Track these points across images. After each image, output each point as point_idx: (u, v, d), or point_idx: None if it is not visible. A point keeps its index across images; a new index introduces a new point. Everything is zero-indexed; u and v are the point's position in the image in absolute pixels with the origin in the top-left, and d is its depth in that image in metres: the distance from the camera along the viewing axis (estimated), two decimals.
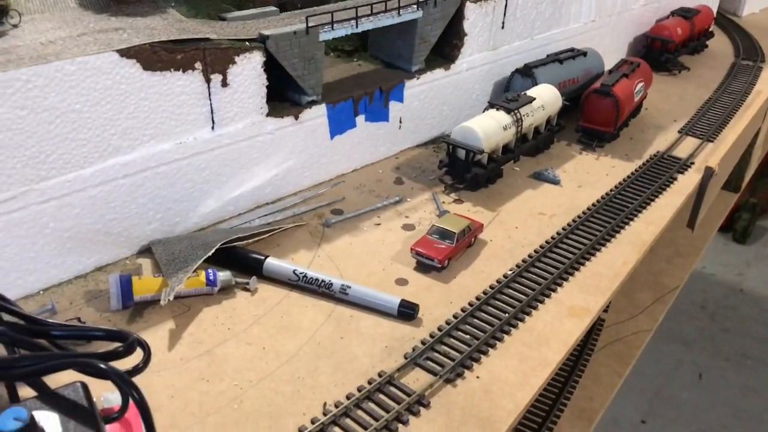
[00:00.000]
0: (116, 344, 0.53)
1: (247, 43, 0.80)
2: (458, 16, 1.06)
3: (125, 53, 0.69)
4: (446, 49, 1.10)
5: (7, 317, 0.53)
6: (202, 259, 0.73)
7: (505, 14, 1.14)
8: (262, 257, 0.77)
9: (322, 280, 0.75)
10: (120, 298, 0.69)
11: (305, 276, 0.75)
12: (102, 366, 0.48)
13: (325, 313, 0.73)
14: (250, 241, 0.81)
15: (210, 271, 0.73)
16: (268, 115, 0.86)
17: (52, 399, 0.47)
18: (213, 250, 0.74)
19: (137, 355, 0.52)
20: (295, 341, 0.69)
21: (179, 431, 0.56)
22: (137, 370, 0.51)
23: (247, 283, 0.75)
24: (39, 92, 0.64)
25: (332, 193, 0.96)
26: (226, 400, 0.62)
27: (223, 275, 0.74)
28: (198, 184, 0.82)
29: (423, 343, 0.70)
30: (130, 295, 0.70)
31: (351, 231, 0.87)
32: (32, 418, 0.43)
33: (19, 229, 0.68)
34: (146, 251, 0.80)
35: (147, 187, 0.77)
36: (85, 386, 0.48)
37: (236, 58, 0.79)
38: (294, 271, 0.76)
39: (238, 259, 0.78)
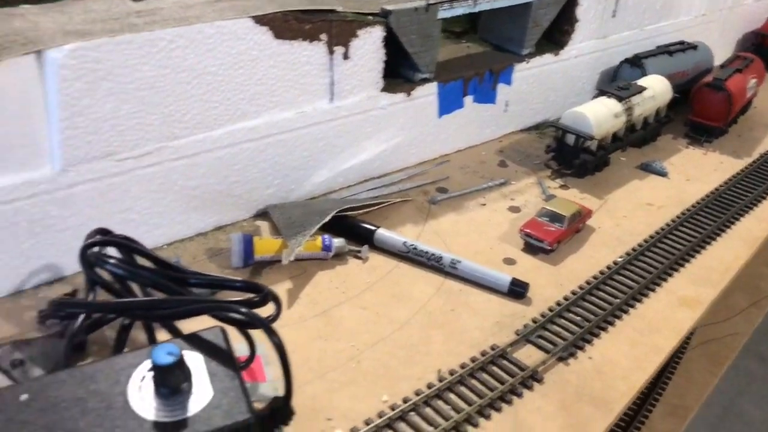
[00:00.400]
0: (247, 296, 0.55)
1: (370, 17, 0.81)
2: (572, 1, 1.05)
3: (259, 20, 0.71)
4: (557, 34, 1.09)
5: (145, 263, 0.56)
6: (319, 225, 0.75)
7: (617, 2, 1.12)
8: (374, 228, 0.79)
9: (432, 254, 0.76)
10: (242, 256, 0.72)
11: (415, 248, 0.76)
12: (247, 312, 0.51)
13: (435, 285, 0.74)
14: (360, 212, 0.83)
15: (326, 236, 0.75)
16: (382, 90, 0.87)
17: (194, 341, 0.49)
18: (329, 217, 0.76)
19: (267, 308, 0.54)
20: (406, 310, 0.70)
21: (302, 383, 0.58)
22: (270, 320, 0.53)
23: (359, 252, 0.77)
24: (180, 53, 0.67)
25: (437, 171, 0.96)
26: (344, 359, 0.63)
27: (338, 241, 0.76)
28: (314, 153, 0.84)
29: (534, 321, 0.70)
30: (251, 254, 0.72)
31: (457, 209, 0.88)
32: (182, 355, 0.46)
33: (152, 184, 0.71)
34: (262, 215, 0.83)
35: (268, 153, 0.79)
36: (224, 331, 0.51)
37: (359, 32, 0.81)
38: (404, 243, 0.77)
39: (350, 228, 0.79)
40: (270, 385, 0.60)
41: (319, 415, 0.58)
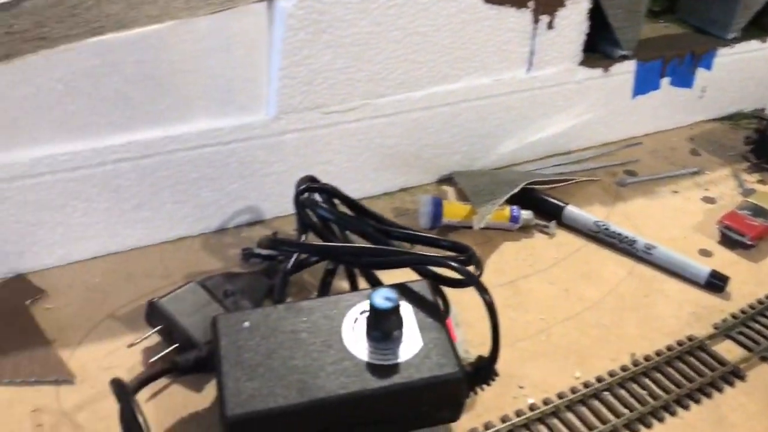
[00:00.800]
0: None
1: None
2: None
3: None
4: (766, 19, 1.01)
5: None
6: (509, 195, 0.74)
7: None
8: (563, 204, 0.77)
9: (625, 236, 0.73)
10: (430, 218, 0.72)
11: (607, 228, 0.74)
12: (459, 267, 0.51)
13: (626, 268, 0.71)
14: (547, 186, 0.81)
15: (514, 207, 0.74)
16: (580, 63, 0.85)
17: (403, 291, 0.50)
18: (518, 188, 0.75)
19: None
20: (596, 289, 0.68)
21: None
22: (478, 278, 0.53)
23: (547, 227, 0.75)
24: (396, 11, 0.67)
25: (625, 153, 0.93)
26: (533, 331, 0.62)
27: (526, 214, 0.75)
28: (504, 123, 0.83)
29: (734, 316, 0.66)
30: (439, 217, 0.72)
31: (647, 194, 0.84)
32: (399, 302, 0.46)
33: (352, 139, 0.72)
34: (445, 181, 0.83)
35: (461, 119, 0.79)
36: (432, 285, 0.51)
37: (566, 1, 0.78)
38: (595, 222, 0.74)
39: (537, 202, 0.78)
40: (460, 346, 0.60)
41: (511, 381, 0.57)
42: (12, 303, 0.60)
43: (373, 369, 0.45)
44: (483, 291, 0.50)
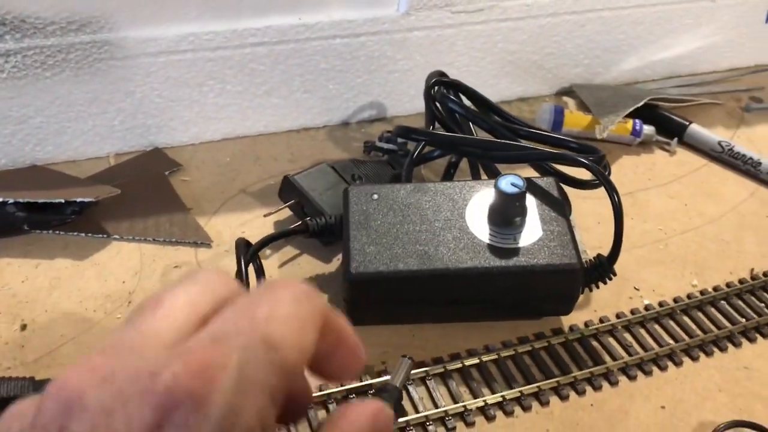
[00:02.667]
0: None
1: None
2: None
3: None
4: None
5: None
6: (632, 108, 0.72)
7: None
8: (687, 122, 0.75)
9: (749, 157, 0.71)
10: (551, 126, 0.72)
11: (731, 149, 0.72)
12: (592, 165, 0.51)
13: (748, 190, 0.70)
14: (669, 105, 0.79)
15: (637, 121, 0.73)
16: None
17: (529, 185, 0.50)
18: (642, 102, 0.73)
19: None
20: (716, 207, 0.67)
21: (608, 251, 0.58)
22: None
23: (668, 144, 0.74)
24: None
25: (751, 79, 0.89)
26: (650, 240, 0.62)
27: (648, 129, 0.73)
28: (630, 38, 0.81)
29: None
30: (560, 125, 0.72)
31: None
32: (525, 188, 0.46)
33: (476, 41, 0.72)
34: (564, 93, 0.82)
35: (587, 29, 0.77)
36: (558, 183, 0.51)
37: None
38: (719, 143, 0.73)
39: (660, 119, 0.76)
40: (580, 248, 0.61)
41: (627, 283, 0.58)
42: (153, 172, 0.64)
43: (493, 250, 0.46)
44: (612, 190, 0.50)
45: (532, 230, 0.47)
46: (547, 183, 0.51)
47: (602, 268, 0.52)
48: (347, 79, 0.70)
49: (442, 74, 0.63)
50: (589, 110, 0.75)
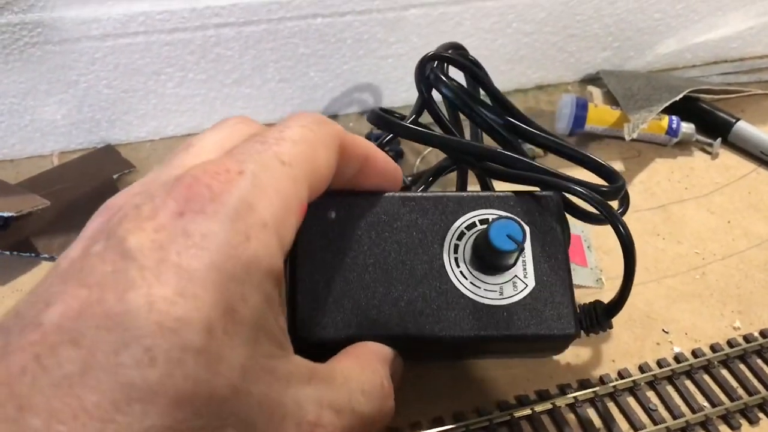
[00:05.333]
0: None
1: None
2: None
3: None
4: None
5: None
6: (668, 103, 0.61)
7: None
8: (733, 119, 0.64)
9: None
10: (571, 121, 0.61)
11: None
12: (599, 200, 0.40)
13: None
14: (712, 97, 0.68)
15: (674, 118, 0.62)
16: None
17: (524, 204, 0.39)
18: (680, 96, 0.62)
19: None
20: (766, 225, 0.56)
21: (635, 283, 0.47)
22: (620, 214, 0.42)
23: (710, 144, 0.63)
24: None
25: None
26: (684, 266, 0.52)
27: (687, 127, 0.62)
28: (667, 17, 0.69)
29: None
30: (581, 122, 0.61)
31: None
32: (525, 243, 0.36)
33: (486, 20, 0.62)
34: (589, 80, 0.71)
35: (617, 7, 0.66)
36: (560, 203, 0.40)
37: None
38: None
39: (701, 115, 0.65)
40: (591, 273, 0.51)
41: (654, 323, 0.48)
42: (99, 175, 0.55)
43: (473, 307, 0.35)
44: (624, 236, 0.39)
45: (522, 278, 0.37)
46: (549, 202, 0.39)
47: (596, 321, 0.41)
48: (331, 65, 0.59)
49: (457, 47, 0.51)
50: (617, 103, 0.64)
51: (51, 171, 0.55)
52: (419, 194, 0.38)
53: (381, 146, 0.47)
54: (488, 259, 0.35)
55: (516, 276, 0.35)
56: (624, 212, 0.43)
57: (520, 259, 0.36)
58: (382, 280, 0.35)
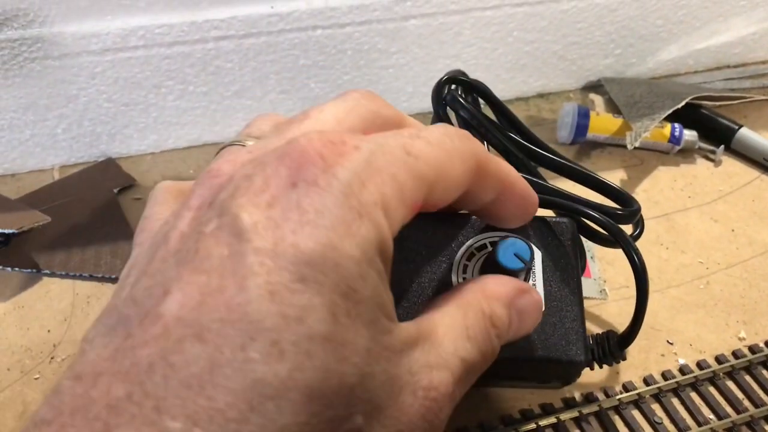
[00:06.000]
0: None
1: None
2: None
3: None
4: None
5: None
6: (671, 110, 0.61)
7: None
8: (736, 126, 0.64)
9: None
10: (573, 130, 0.61)
11: None
12: (612, 226, 0.40)
13: None
14: (715, 104, 0.67)
15: (676, 126, 0.61)
16: None
17: (538, 228, 0.39)
18: (683, 103, 0.62)
19: None
20: None
21: (631, 292, 0.47)
22: (633, 239, 0.42)
23: (713, 152, 0.62)
24: None
25: None
26: (689, 276, 0.52)
27: (690, 134, 0.62)
28: (669, 24, 0.69)
29: None
30: (583, 130, 0.61)
31: None
32: (532, 263, 0.35)
33: (486, 30, 0.61)
34: (591, 88, 0.71)
35: (619, 14, 0.66)
36: (575, 228, 0.40)
37: None
38: None
39: (704, 122, 0.65)
40: (595, 284, 0.51)
41: (658, 335, 0.47)
42: (100, 190, 0.55)
43: None
44: (632, 257, 0.39)
45: None
46: (564, 228, 0.39)
47: (609, 351, 0.40)
48: (332, 76, 0.59)
49: (462, 73, 0.51)
50: (619, 110, 0.64)
51: (52, 185, 0.55)
52: (431, 213, 0.38)
53: None
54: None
55: None
56: (639, 235, 0.43)
57: (530, 281, 0.36)
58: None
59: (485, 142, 0.47)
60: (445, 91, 0.47)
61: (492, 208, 0.29)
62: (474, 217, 0.38)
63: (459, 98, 0.46)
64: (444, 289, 0.36)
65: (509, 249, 0.33)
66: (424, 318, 0.24)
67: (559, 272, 0.36)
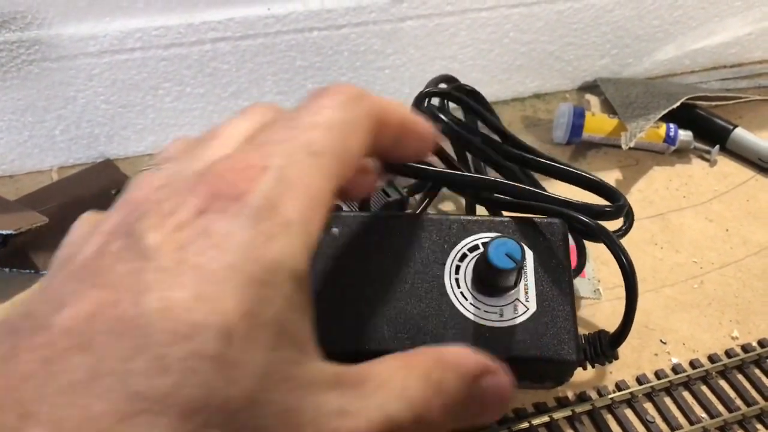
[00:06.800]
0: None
1: None
2: None
3: None
4: None
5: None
6: (666, 111, 0.61)
7: None
8: (731, 126, 0.64)
9: None
10: (568, 130, 0.61)
11: None
12: (592, 223, 0.40)
13: None
14: (710, 104, 0.68)
15: (672, 126, 0.62)
16: None
17: (528, 230, 0.39)
18: (678, 103, 0.62)
19: None
20: (765, 233, 0.56)
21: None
22: (618, 236, 0.42)
23: (708, 152, 0.63)
24: None
25: None
26: (683, 276, 0.52)
27: (685, 135, 0.62)
28: (665, 24, 0.69)
29: None
30: (578, 131, 0.61)
31: None
32: (524, 262, 0.36)
33: (482, 31, 0.62)
34: (587, 88, 0.71)
35: (615, 15, 0.66)
36: (566, 229, 0.40)
37: None
38: None
39: (699, 122, 0.65)
40: (589, 283, 0.51)
41: (652, 334, 0.48)
42: (99, 191, 0.55)
43: (472, 328, 0.35)
44: (619, 255, 0.39)
45: (523, 301, 0.37)
46: (553, 229, 0.39)
47: (601, 351, 0.40)
48: (329, 77, 0.60)
49: (449, 80, 0.52)
50: (615, 111, 0.64)
51: (50, 186, 0.56)
52: (424, 215, 0.38)
53: None
54: (488, 278, 0.35)
55: (517, 299, 0.35)
56: (629, 228, 0.43)
57: (522, 282, 0.36)
58: (382, 295, 0.36)
59: (471, 153, 0.48)
60: (425, 104, 0.47)
61: (394, 152, 0.28)
62: (464, 217, 0.39)
63: (437, 113, 0.47)
64: (437, 290, 0.36)
65: (500, 249, 0.34)
66: (361, 365, 0.23)
67: (551, 272, 0.36)
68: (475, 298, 0.35)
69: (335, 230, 0.37)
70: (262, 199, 0.20)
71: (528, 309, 0.35)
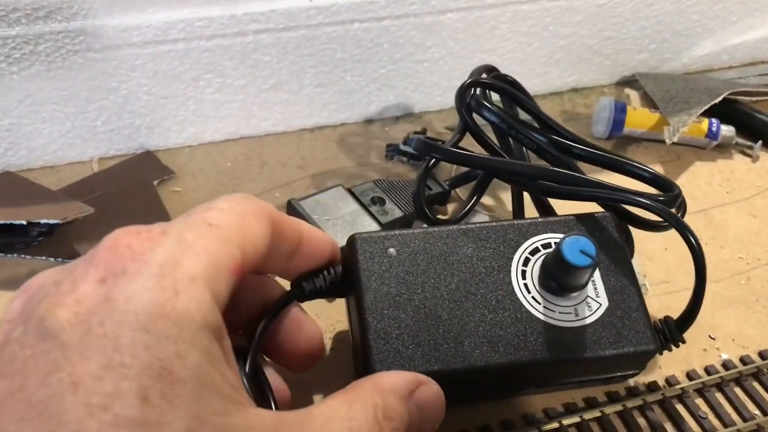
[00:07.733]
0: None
1: None
2: None
3: None
4: None
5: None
6: (708, 105, 0.61)
7: None
8: None
9: None
10: (609, 125, 0.61)
11: None
12: (662, 209, 0.39)
13: None
14: (752, 99, 0.67)
15: (714, 121, 0.61)
16: None
17: (584, 225, 0.38)
18: (720, 98, 0.61)
19: None
20: None
21: (678, 289, 0.48)
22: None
23: (750, 147, 0.62)
24: None
25: None
26: (729, 272, 0.51)
27: (727, 130, 0.62)
28: (705, 19, 0.68)
29: None
30: (620, 125, 0.61)
31: None
32: (599, 258, 0.35)
33: (522, 24, 0.61)
34: (624, 83, 0.70)
35: (654, 9, 0.65)
36: (617, 221, 0.40)
37: None
38: None
39: (741, 117, 0.64)
40: (639, 280, 0.50)
41: (700, 329, 0.47)
42: (140, 182, 0.55)
43: (549, 331, 0.35)
44: (692, 242, 0.39)
45: (594, 297, 0.36)
46: (606, 222, 0.39)
47: (669, 336, 0.40)
48: (368, 70, 0.60)
49: (491, 69, 0.51)
50: (655, 105, 0.63)
51: (91, 177, 0.56)
52: (478, 225, 0.38)
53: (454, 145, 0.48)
54: (562, 278, 0.34)
55: (588, 296, 0.35)
56: (683, 215, 0.43)
57: (593, 277, 0.36)
58: (455, 311, 0.34)
59: (518, 142, 0.47)
60: (469, 96, 0.47)
61: (296, 261, 0.30)
62: (517, 222, 0.38)
63: (483, 102, 0.46)
64: (508, 298, 0.35)
65: (574, 246, 0.33)
66: (300, 410, 0.23)
67: (613, 265, 0.36)
68: (547, 300, 0.35)
69: (392, 251, 0.36)
70: (163, 257, 0.21)
71: (601, 305, 0.35)
